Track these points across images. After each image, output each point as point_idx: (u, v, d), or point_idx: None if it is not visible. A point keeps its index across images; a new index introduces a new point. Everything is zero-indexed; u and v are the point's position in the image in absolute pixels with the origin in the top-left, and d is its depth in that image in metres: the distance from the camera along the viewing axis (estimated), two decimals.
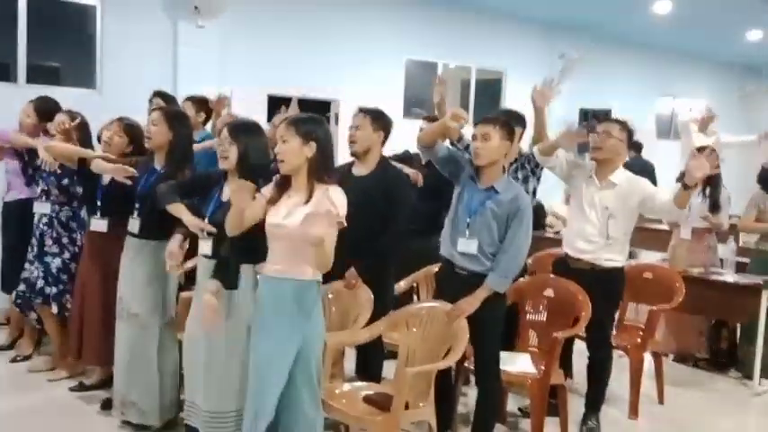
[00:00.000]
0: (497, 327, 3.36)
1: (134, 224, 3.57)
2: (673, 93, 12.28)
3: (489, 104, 9.40)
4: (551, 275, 4.04)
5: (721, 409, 4.57)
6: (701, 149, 4.90)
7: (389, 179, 3.67)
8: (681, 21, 9.05)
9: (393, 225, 3.60)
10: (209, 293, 2.88)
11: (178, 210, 3.17)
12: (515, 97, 9.72)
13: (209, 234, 3.01)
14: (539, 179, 4.06)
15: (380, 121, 3.69)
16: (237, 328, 2.94)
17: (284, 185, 2.82)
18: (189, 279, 3.71)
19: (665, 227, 6.02)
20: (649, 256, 6.69)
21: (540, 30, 9.84)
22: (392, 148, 4.88)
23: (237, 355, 2.93)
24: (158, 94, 4.82)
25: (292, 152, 2.73)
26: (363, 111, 3.73)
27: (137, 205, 3.57)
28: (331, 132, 2.99)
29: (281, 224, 2.74)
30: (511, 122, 3.40)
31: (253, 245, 2.87)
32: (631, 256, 8.31)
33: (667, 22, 9.10)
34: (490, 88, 9.93)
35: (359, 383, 3.41)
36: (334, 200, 2.70)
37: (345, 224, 2.72)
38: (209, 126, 5.00)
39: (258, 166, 2.97)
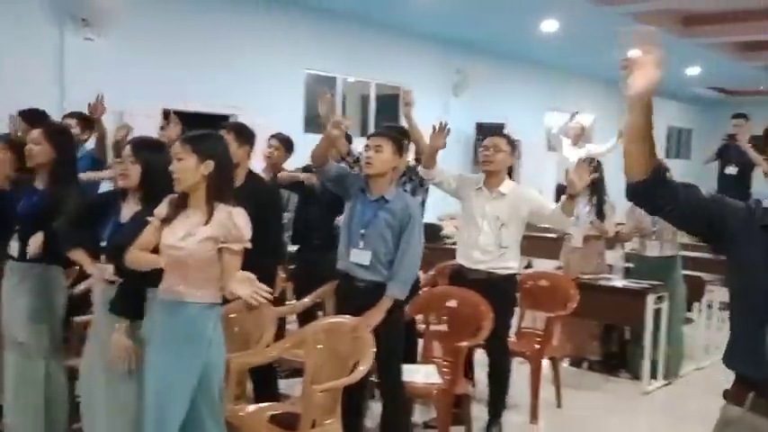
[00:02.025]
0: (399, 339, 3.42)
1: (14, 247, 3.34)
2: (561, 107, 12.83)
3: (389, 119, 9.51)
4: (453, 286, 4.14)
5: (615, 408, 4.79)
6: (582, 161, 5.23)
7: (259, 191, 3.65)
8: (567, 39, 9.49)
9: (268, 238, 3.57)
10: (120, 333, 2.78)
11: (79, 257, 3.06)
12: (414, 112, 9.92)
13: (114, 266, 2.88)
14: (427, 191, 4.23)
15: (244, 135, 3.70)
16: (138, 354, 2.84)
17: (181, 205, 2.72)
18: (78, 303, 3.56)
19: (554, 235, 6.27)
20: (543, 264, 6.96)
21: (438, 46, 10.06)
22: (293, 163, 4.90)
23: (136, 382, 2.83)
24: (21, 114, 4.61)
25: (188, 170, 2.63)
26: (225, 127, 3.71)
27: (17, 227, 3.35)
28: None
29: (179, 246, 2.62)
30: (402, 139, 3.57)
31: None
32: (528, 265, 8.68)
33: (555, 40, 9.52)
34: (390, 103, 10.05)
35: (265, 404, 3.35)
36: (239, 224, 2.65)
37: (250, 246, 2.68)
38: (91, 144, 4.84)
39: (162, 184, 2.81)
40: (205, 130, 2.84)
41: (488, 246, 3.93)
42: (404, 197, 3.47)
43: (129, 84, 6.78)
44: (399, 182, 4.11)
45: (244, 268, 3.34)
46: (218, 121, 7.76)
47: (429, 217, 6.89)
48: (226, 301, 3.44)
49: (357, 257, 3.39)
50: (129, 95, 6.65)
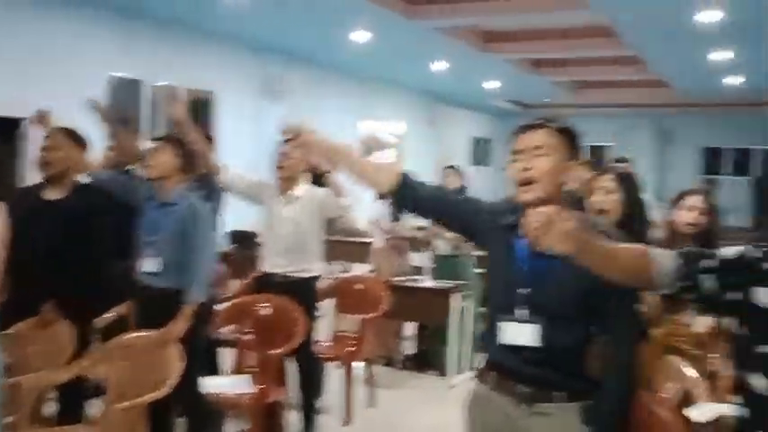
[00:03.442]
0: (195, 349, 3.37)
1: None
2: (375, 116, 13.23)
3: (202, 125, 9.25)
4: (262, 294, 4.13)
5: (424, 403, 5.02)
6: None
7: (90, 202, 3.48)
8: (379, 49, 9.78)
9: (98, 251, 3.41)
10: None
11: None
12: (226, 117, 9.75)
13: None
14: (221, 196, 4.20)
15: (77, 138, 3.54)
16: None
17: None
18: None
19: (369, 240, 6.45)
20: (361, 268, 7.14)
21: (251, 52, 9.95)
22: None
23: None
24: None
25: None
26: (59, 129, 3.54)
27: None
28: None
29: None
30: (183, 141, 3.59)
31: None
32: (345, 269, 8.86)
33: (367, 51, 9.79)
34: (201, 108, 9.78)
35: (62, 427, 3.13)
36: None
37: None
38: None
39: None
40: None
41: (287, 250, 4.00)
42: (188, 198, 3.46)
43: None
44: (193, 187, 4.12)
45: (65, 279, 3.16)
46: (8, 124, 7.19)
47: (242, 224, 6.83)
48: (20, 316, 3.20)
49: (148, 266, 3.36)
50: None
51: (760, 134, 16.26)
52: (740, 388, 1.77)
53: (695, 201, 3.20)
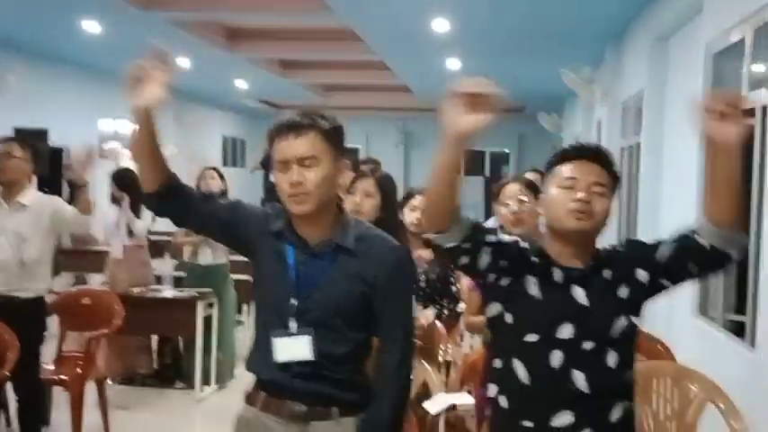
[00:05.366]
0: None
1: None
2: (115, 114, 12.32)
3: None
4: None
5: (169, 421, 4.71)
6: None
7: None
8: (111, 42, 9.03)
9: None
10: None
11: None
12: None
13: None
14: None
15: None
16: None
17: None
18: None
19: (107, 248, 5.91)
20: (97, 280, 6.54)
21: None
22: None
23: None
24: None
25: None
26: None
27: None
28: None
29: None
30: None
31: None
32: (82, 281, 8.09)
33: (100, 43, 9.03)
34: None
35: None
36: None
37: None
38: None
39: None
40: None
41: (8, 265, 3.55)
42: None
43: None
44: None
45: None
46: None
47: None
48: None
49: None
50: None
51: (490, 137, 17.95)
52: (502, 376, 1.79)
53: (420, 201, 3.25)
